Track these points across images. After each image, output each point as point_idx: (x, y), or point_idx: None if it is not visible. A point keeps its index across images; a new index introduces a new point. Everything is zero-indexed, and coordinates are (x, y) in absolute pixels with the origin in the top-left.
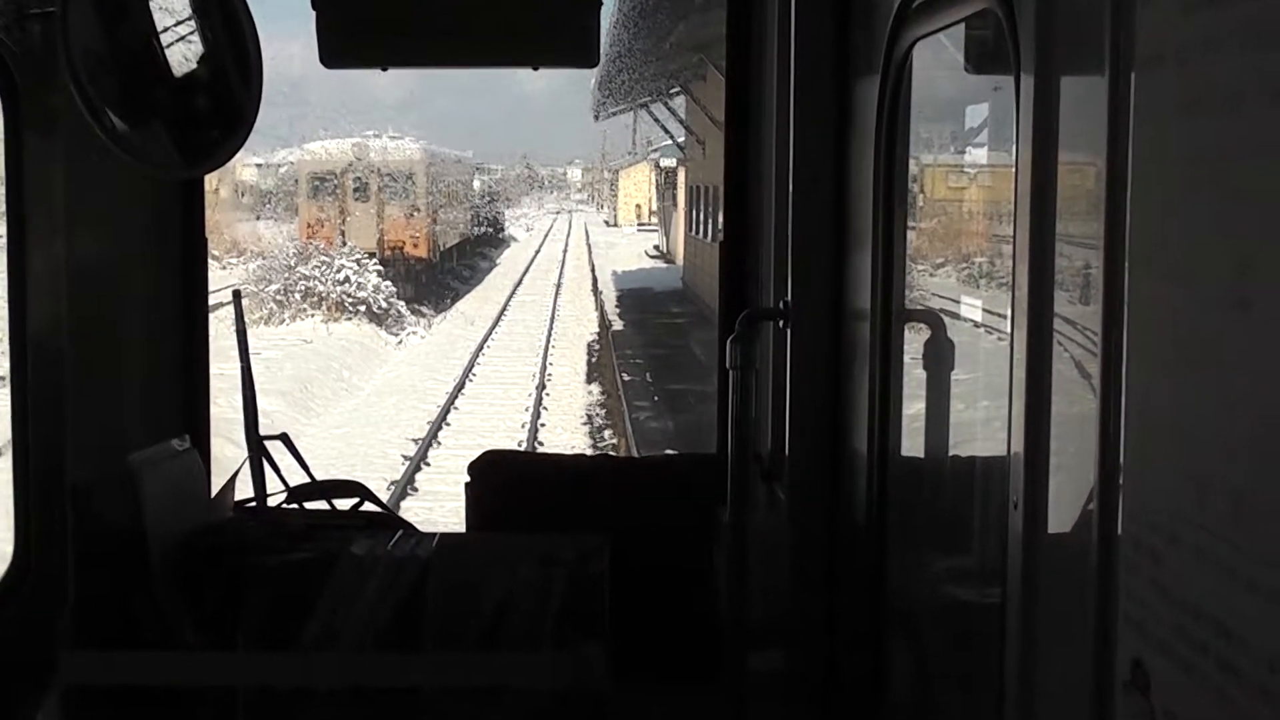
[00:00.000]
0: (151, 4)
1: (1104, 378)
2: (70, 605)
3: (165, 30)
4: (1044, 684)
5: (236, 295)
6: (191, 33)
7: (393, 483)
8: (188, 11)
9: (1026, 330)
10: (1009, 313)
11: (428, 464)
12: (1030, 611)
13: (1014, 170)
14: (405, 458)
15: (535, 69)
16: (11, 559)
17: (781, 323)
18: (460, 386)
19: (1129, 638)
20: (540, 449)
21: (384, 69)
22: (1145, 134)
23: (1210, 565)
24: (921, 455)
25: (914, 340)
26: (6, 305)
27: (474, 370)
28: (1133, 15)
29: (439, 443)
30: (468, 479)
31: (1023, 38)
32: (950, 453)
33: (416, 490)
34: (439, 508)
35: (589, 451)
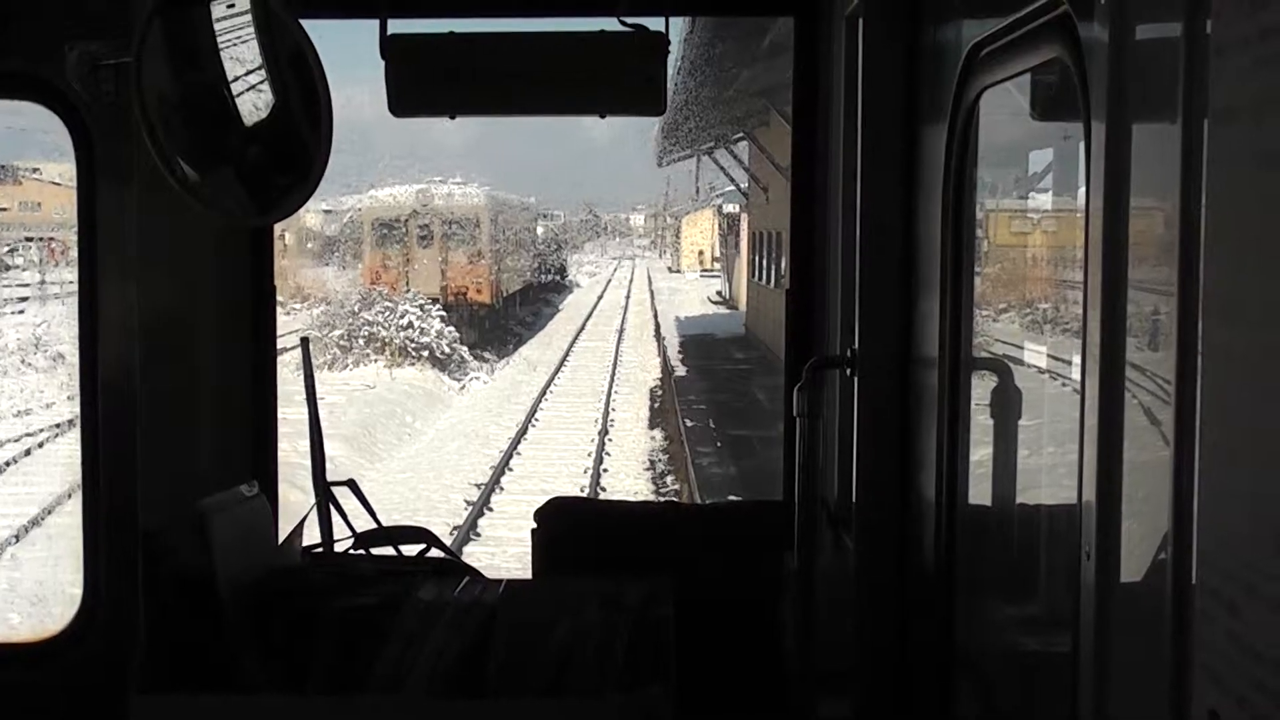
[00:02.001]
0: (223, 53)
1: (1178, 426)
2: (141, 649)
3: (236, 79)
4: None
5: (304, 342)
6: (262, 81)
7: (455, 528)
8: (258, 60)
9: (1099, 377)
10: (1078, 359)
11: (490, 509)
12: (1104, 662)
13: (1084, 217)
14: (468, 503)
15: (602, 117)
16: (81, 602)
17: (848, 370)
18: (523, 432)
19: (1205, 689)
20: (603, 494)
21: (452, 117)
22: (1219, 183)
23: None
24: (989, 503)
25: (980, 387)
26: (78, 350)
27: (537, 416)
28: (1205, 66)
29: (502, 488)
30: (534, 525)
31: (1093, 86)
32: (1019, 500)
33: (479, 535)
34: (501, 553)
35: (652, 497)
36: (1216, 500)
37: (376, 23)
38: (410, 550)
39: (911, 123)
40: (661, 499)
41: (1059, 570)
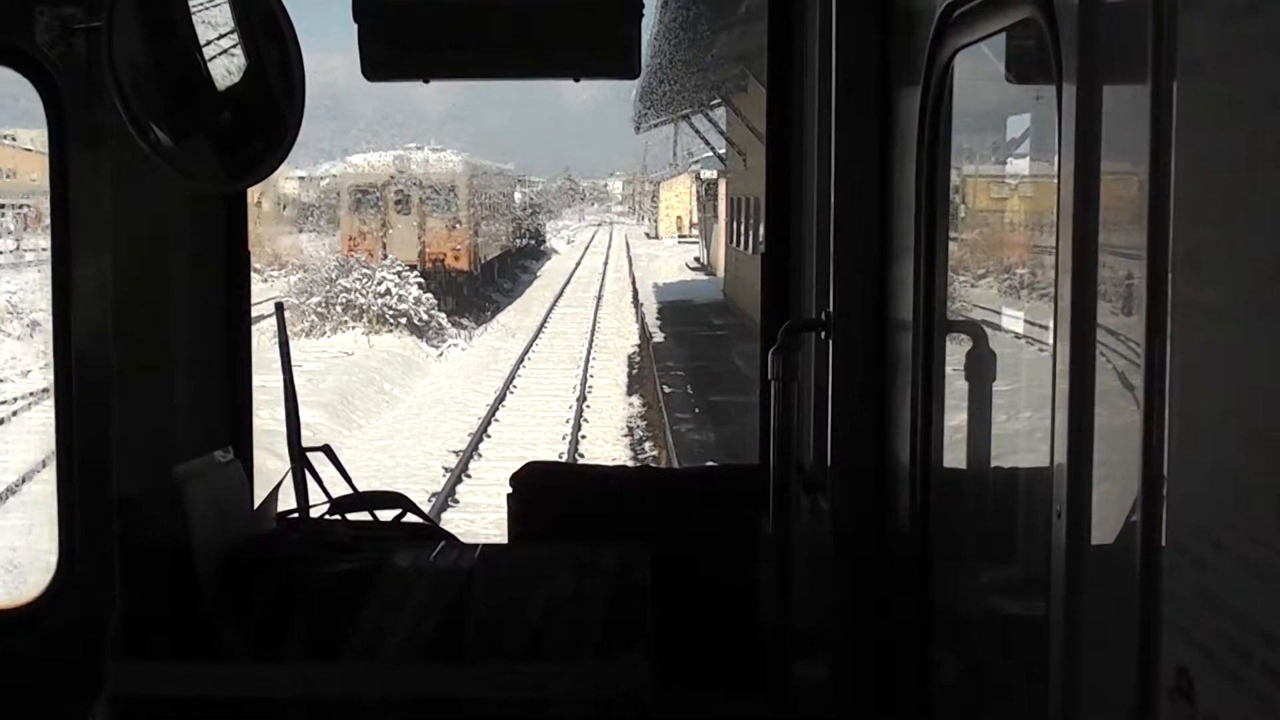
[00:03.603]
0: (195, 18)
1: (1147, 387)
2: (116, 615)
3: (208, 44)
4: (1088, 692)
5: (279, 308)
6: (234, 46)
7: (434, 494)
8: (230, 25)
9: (1070, 340)
10: (1051, 323)
11: (469, 476)
12: (1074, 620)
13: (1056, 180)
14: (446, 469)
15: (577, 80)
16: (56, 568)
17: (824, 334)
18: (501, 398)
19: (1173, 645)
20: (581, 461)
21: (426, 81)
22: (1188, 141)
23: (1256, 572)
24: (964, 466)
25: (955, 351)
26: (51, 317)
27: (515, 382)
28: (1175, 22)
29: (480, 454)
30: (510, 490)
31: (1064, 46)
32: (993, 463)
33: (458, 502)
34: (480, 519)
35: (630, 463)
36: (1185, 459)
37: None
38: (386, 516)
39: (886, 87)
40: (639, 465)
41: (1034, 532)
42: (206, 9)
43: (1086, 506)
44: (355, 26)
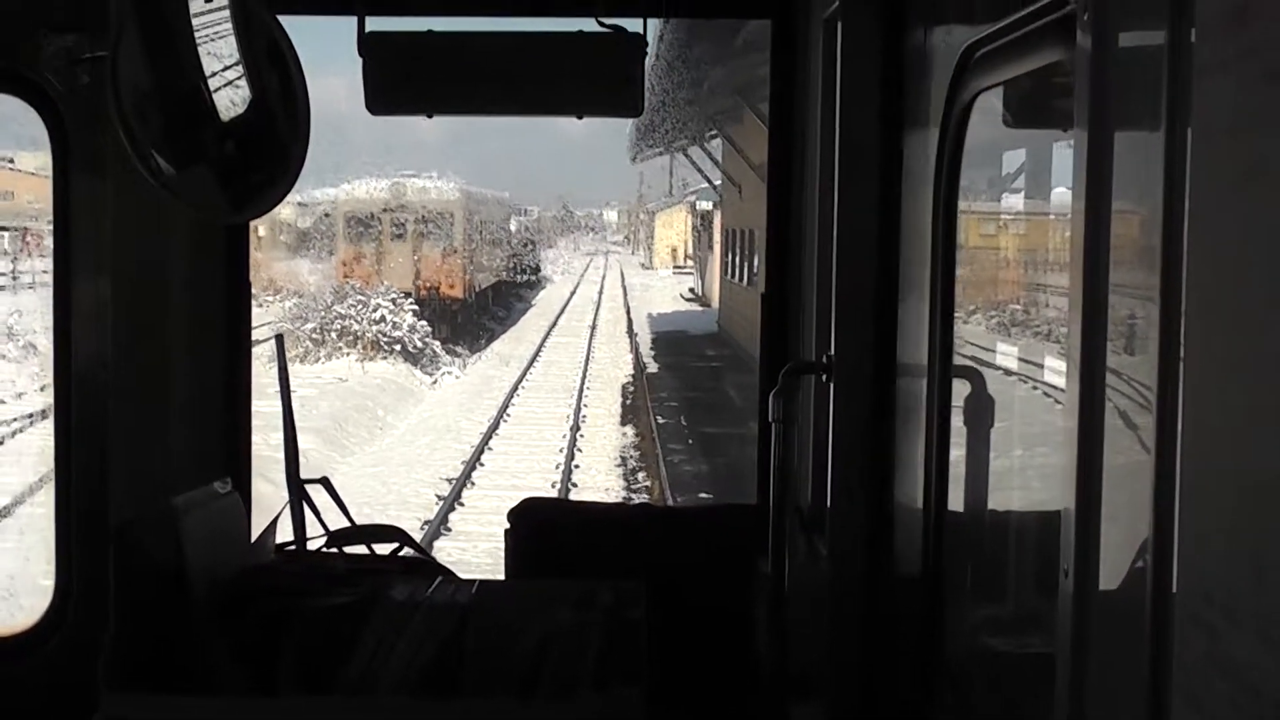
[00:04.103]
0: (200, 48)
1: (1158, 445)
2: (110, 644)
3: (213, 74)
4: None
5: (279, 339)
6: (239, 77)
7: (426, 522)
8: (235, 56)
9: (1078, 395)
10: (1055, 366)
11: (462, 504)
12: (1081, 683)
13: (1069, 222)
14: (439, 497)
15: (580, 118)
16: (53, 596)
17: (824, 376)
18: (494, 427)
19: (1184, 713)
20: (574, 490)
21: (429, 116)
22: (1202, 192)
23: (1271, 644)
24: (963, 510)
25: (967, 394)
26: (52, 342)
27: (508, 411)
28: (1189, 82)
29: (473, 483)
30: (507, 525)
31: (1080, 92)
32: (991, 508)
33: (450, 530)
34: (473, 548)
35: (624, 493)
36: (1196, 523)
37: (355, 18)
38: (383, 549)
39: (891, 127)
40: (634, 498)
41: (1042, 587)
42: (211, 39)
43: (1094, 565)
44: (359, 59)
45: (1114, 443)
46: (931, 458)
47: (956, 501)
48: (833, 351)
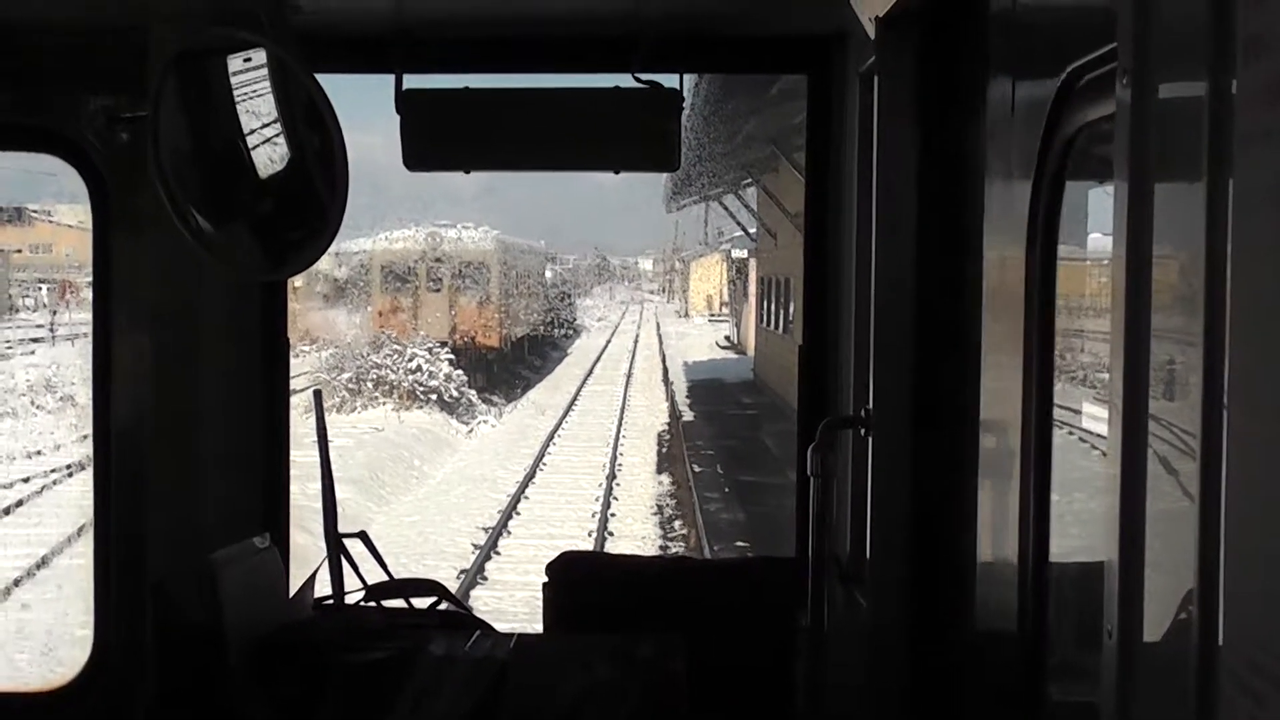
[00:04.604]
0: (239, 107)
1: (1202, 511)
2: (149, 699)
3: (251, 132)
4: None
5: (317, 395)
6: (277, 135)
7: (463, 571)
8: (274, 114)
9: (1121, 439)
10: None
11: (498, 553)
12: None
13: (1111, 269)
14: (475, 546)
15: (617, 173)
16: (91, 650)
17: (863, 430)
18: (531, 476)
19: None
20: (611, 539)
21: (467, 172)
22: (1245, 229)
23: None
24: (1015, 565)
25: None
26: (91, 397)
27: (544, 459)
28: (1229, 148)
29: (509, 532)
30: (545, 579)
31: (1118, 137)
32: (1046, 565)
33: (486, 580)
34: (509, 597)
35: (660, 542)
36: (1242, 587)
37: (392, 76)
38: (421, 603)
39: (930, 179)
40: (671, 546)
41: (1086, 643)
42: (250, 99)
43: (1138, 626)
44: (396, 114)
45: (1157, 509)
46: (1029, 511)
47: (997, 552)
48: (871, 405)
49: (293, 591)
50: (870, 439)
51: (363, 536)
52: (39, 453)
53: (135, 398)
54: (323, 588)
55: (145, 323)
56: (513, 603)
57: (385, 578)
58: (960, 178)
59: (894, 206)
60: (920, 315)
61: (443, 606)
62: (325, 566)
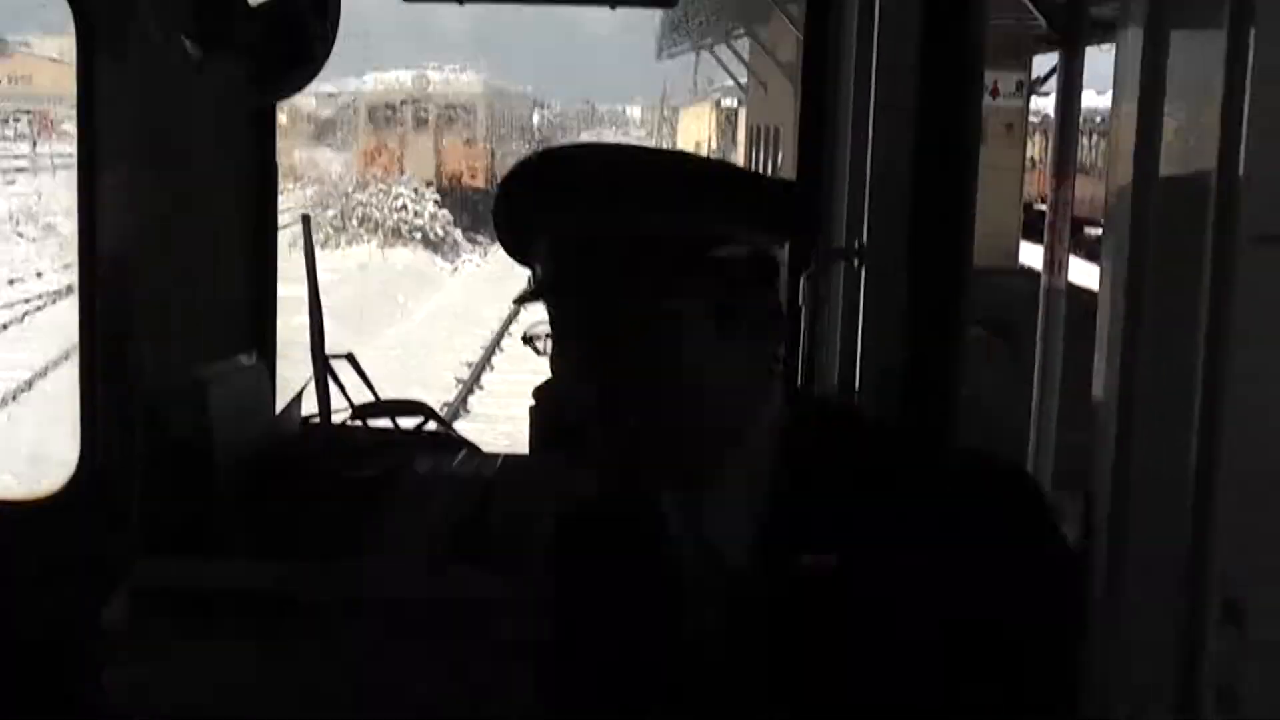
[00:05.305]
0: None
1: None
2: (136, 511)
3: None
4: None
5: (306, 220)
6: None
7: (446, 404)
8: None
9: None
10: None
11: (481, 387)
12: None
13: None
14: (459, 380)
15: (613, 8)
16: (78, 464)
17: (855, 261)
18: (515, 313)
19: None
20: None
21: (461, 4)
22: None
23: None
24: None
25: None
26: (77, 223)
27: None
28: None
29: (492, 367)
30: (532, 403)
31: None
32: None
33: (469, 412)
34: (491, 429)
35: None
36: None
37: None
38: (407, 424)
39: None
40: None
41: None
42: None
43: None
44: None
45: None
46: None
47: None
48: (864, 237)
49: (279, 409)
50: (863, 271)
51: (350, 358)
52: (21, 279)
53: (121, 222)
54: (309, 408)
55: (131, 149)
56: (494, 435)
57: (371, 399)
58: (963, 14)
59: (898, 41)
60: (920, 143)
61: (428, 427)
62: (311, 386)
